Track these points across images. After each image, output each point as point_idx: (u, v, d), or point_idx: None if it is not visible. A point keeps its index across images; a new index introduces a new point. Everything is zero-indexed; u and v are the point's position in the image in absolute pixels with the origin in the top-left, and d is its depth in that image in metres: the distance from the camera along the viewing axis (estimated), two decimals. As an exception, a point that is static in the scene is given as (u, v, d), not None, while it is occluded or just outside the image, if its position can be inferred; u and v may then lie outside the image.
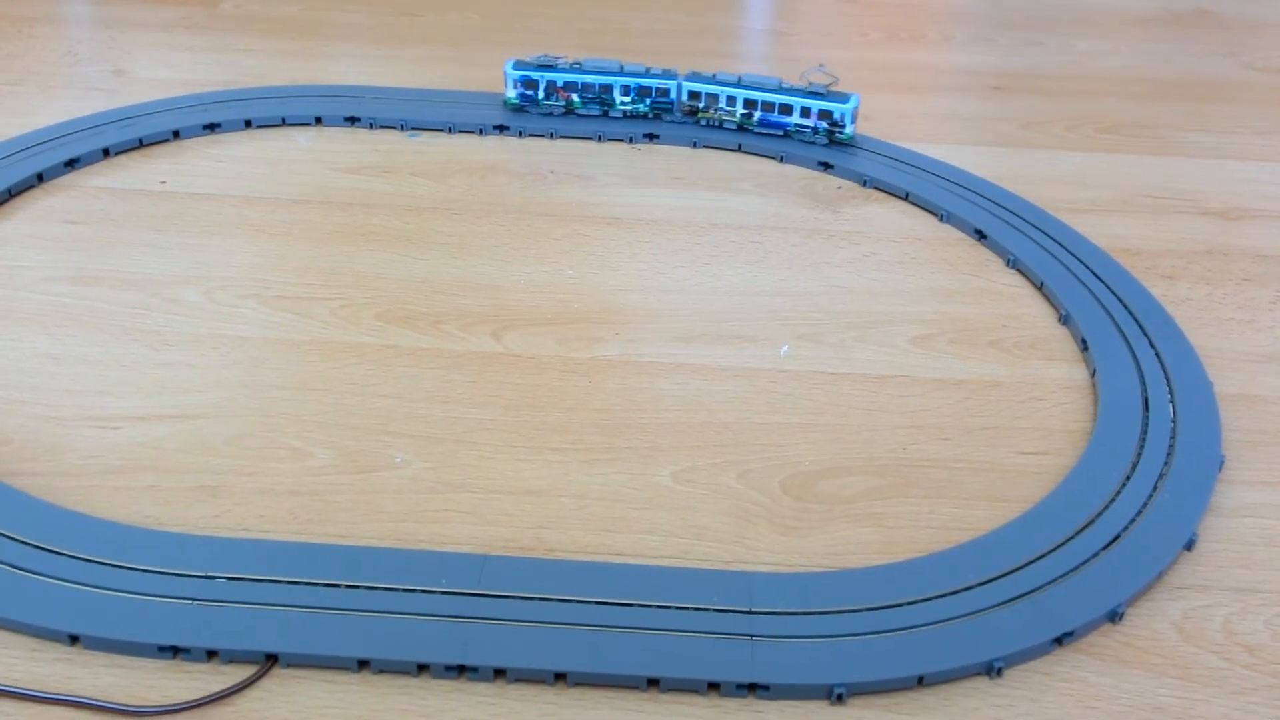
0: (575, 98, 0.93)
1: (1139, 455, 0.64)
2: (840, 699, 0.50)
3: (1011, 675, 0.52)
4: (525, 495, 0.62)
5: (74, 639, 0.52)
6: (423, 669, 0.51)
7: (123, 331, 0.73)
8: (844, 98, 0.95)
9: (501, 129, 1.00)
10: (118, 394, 0.68)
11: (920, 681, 0.51)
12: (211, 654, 0.51)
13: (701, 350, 0.74)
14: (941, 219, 0.90)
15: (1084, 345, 0.74)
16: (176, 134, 0.97)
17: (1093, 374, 0.72)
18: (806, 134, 0.95)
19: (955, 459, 0.65)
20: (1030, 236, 0.85)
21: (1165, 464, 0.63)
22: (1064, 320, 0.78)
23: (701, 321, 0.77)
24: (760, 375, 0.72)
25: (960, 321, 0.78)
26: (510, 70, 0.94)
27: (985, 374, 0.72)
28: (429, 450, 0.64)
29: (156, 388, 0.68)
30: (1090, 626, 0.54)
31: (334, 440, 0.65)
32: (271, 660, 0.51)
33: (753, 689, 0.51)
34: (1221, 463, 0.64)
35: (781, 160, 0.97)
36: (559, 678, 0.51)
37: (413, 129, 1.00)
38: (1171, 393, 0.69)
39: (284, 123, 1.00)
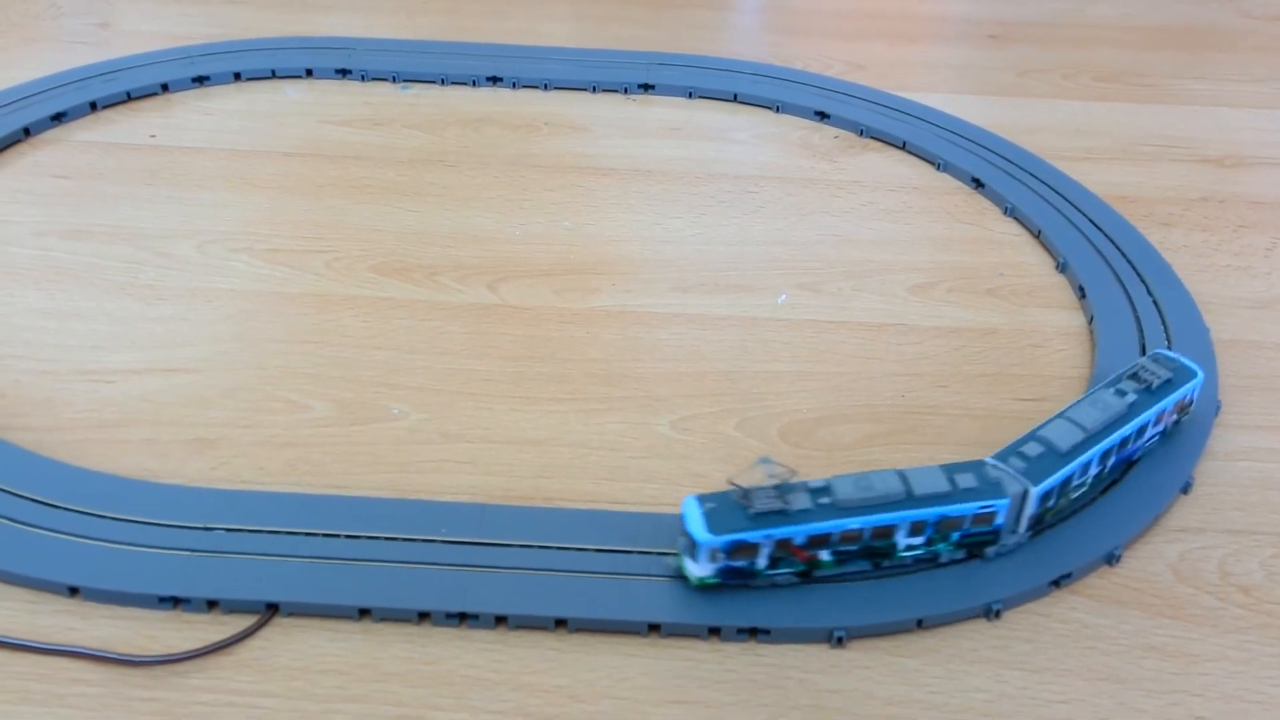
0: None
1: (1136, 401, 0.64)
2: (840, 642, 0.51)
3: (1010, 617, 0.53)
4: (524, 445, 0.62)
5: (73, 590, 0.52)
6: (424, 617, 0.51)
7: (115, 286, 0.73)
8: None
9: (494, 80, 0.99)
10: (111, 348, 0.67)
11: (919, 624, 0.52)
12: (212, 604, 0.51)
13: (699, 300, 0.73)
14: (939, 168, 0.89)
15: (1081, 292, 0.74)
16: (165, 87, 0.95)
17: (1090, 321, 0.72)
18: None
19: (953, 406, 0.65)
20: (1027, 185, 0.85)
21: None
22: (1061, 268, 0.77)
23: (699, 271, 0.76)
24: (758, 324, 0.71)
25: (958, 270, 0.77)
26: None
27: (983, 321, 0.72)
28: (427, 401, 0.64)
29: (150, 341, 0.68)
30: (1087, 569, 0.55)
31: (331, 392, 0.65)
32: (272, 609, 0.51)
33: (754, 633, 0.51)
34: (1218, 408, 0.64)
35: (778, 110, 0.96)
36: (560, 624, 0.51)
37: (405, 81, 0.99)
38: (1168, 339, 0.69)
39: (274, 75, 0.99)
